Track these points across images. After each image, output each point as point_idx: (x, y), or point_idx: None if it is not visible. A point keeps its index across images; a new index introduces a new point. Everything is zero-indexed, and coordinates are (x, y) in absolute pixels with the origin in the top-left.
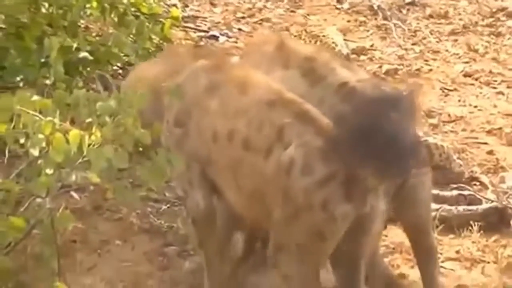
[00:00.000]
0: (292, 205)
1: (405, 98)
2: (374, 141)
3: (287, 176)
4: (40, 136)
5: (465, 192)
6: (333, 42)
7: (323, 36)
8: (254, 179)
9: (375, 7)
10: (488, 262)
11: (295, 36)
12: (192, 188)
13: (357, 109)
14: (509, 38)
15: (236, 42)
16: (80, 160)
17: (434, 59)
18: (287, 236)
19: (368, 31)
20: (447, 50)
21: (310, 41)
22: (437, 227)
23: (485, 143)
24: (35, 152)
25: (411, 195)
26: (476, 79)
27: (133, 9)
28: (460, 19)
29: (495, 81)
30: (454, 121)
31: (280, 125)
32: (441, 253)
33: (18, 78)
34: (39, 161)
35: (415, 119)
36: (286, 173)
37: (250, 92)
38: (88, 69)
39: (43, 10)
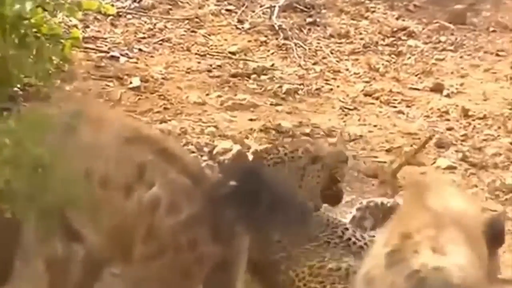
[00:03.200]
0: (158, 243)
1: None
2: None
3: (152, 215)
4: None
5: None
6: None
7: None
8: (115, 219)
9: (276, 27)
10: None
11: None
12: (49, 233)
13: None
14: (409, 58)
15: (136, 62)
16: None
17: (335, 79)
18: (148, 274)
19: (269, 50)
20: (347, 70)
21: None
22: None
23: (385, 162)
24: None
25: None
26: (376, 98)
27: (33, 29)
28: (361, 39)
29: (395, 100)
30: (354, 140)
31: (140, 162)
32: None
33: None
34: None
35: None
36: (151, 212)
37: (105, 130)
38: None
39: None
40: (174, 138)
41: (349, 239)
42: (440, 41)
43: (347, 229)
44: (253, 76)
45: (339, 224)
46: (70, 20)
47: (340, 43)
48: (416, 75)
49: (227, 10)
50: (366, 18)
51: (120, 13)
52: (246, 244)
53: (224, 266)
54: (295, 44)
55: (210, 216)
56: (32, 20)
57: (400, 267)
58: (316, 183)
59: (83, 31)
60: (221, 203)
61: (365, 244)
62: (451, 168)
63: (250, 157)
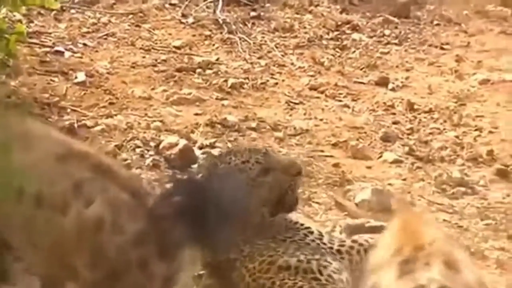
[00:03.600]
0: (108, 265)
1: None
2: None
3: (95, 234)
4: None
5: None
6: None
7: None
8: (52, 238)
9: (220, 21)
10: None
11: (141, 48)
12: None
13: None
14: (354, 51)
15: (81, 57)
16: None
17: (280, 73)
18: None
19: (213, 45)
20: (292, 64)
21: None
22: None
23: (331, 156)
24: None
25: None
26: (322, 92)
27: None
28: (305, 33)
29: (341, 94)
30: (299, 134)
31: (76, 180)
32: None
33: None
34: None
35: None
36: (94, 232)
37: (35, 147)
38: None
39: None
40: (120, 133)
41: (313, 240)
42: (384, 35)
43: (311, 232)
44: (198, 70)
45: (302, 228)
46: (14, 15)
47: (285, 37)
48: (361, 69)
49: (171, 4)
50: (310, 12)
51: (64, 8)
52: (190, 257)
53: (170, 282)
54: (240, 38)
55: (156, 233)
56: None
57: (409, 278)
58: (268, 193)
59: (27, 26)
60: (166, 219)
61: (334, 245)
62: (397, 162)
63: (197, 152)
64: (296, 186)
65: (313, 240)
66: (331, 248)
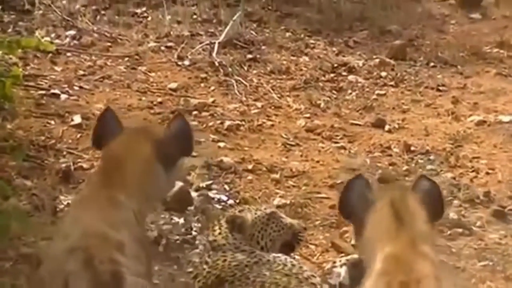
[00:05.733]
0: None
1: None
2: None
3: None
4: None
5: None
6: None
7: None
8: None
9: (216, 64)
10: None
11: (137, 91)
12: None
13: None
14: (350, 93)
15: (77, 100)
16: None
17: (276, 115)
18: None
19: (209, 87)
20: (289, 106)
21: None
22: None
23: (328, 198)
24: None
25: None
26: (318, 134)
27: None
28: (302, 75)
29: (337, 135)
30: (296, 176)
31: (66, 274)
32: None
33: None
34: None
35: None
36: None
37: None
38: None
39: None
40: None
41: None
42: (380, 77)
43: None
44: (194, 112)
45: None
46: (10, 58)
47: (281, 79)
48: (357, 111)
49: (166, 47)
50: (306, 54)
51: (60, 51)
52: None
53: None
54: (236, 81)
55: None
56: None
57: None
58: None
59: (23, 69)
60: None
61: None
62: None
63: (193, 194)
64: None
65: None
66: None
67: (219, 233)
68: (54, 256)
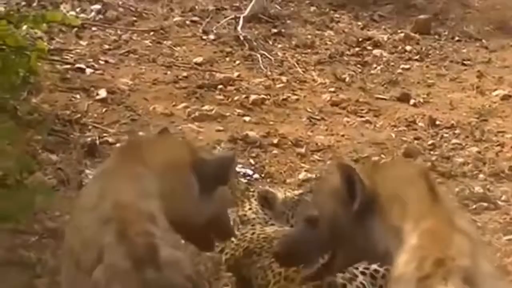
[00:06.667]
0: None
1: None
2: None
3: None
4: None
5: None
6: None
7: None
8: None
9: (241, 38)
10: None
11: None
12: None
13: None
14: (375, 67)
15: (102, 74)
16: None
17: (301, 89)
18: None
19: (234, 61)
20: (313, 80)
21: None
22: None
23: None
24: None
25: None
26: (343, 108)
27: None
28: (327, 49)
29: (362, 110)
30: (321, 150)
31: (101, 245)
32: None
33: None
34: None
35: None
36: None
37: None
38: None
39: None
40: None
41: None
42: (405, 51)
43: None
44: (220, 87)
45: None
46: (36, 32)
47: (306, 53)
48: (382, 85)
49: (192, 21)
50: (331, 28)
51: (85, 25)
52: None
53: None
54: (261, 55)
55: None
56: None
57: None
58: None
59: (48, 43)
60: None
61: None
62: None
63: None
64: None
65: None
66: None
67: (249, 208)
68: (86, 227)
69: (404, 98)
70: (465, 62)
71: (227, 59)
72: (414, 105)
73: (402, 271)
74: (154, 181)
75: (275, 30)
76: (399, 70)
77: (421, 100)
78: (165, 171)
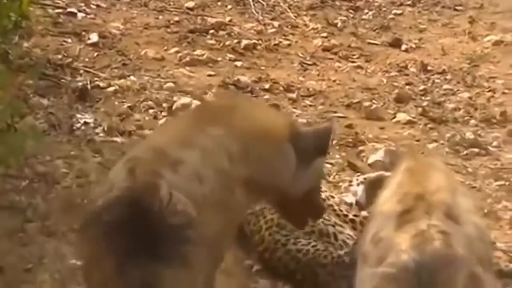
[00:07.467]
0: None
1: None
2: None
3: None
4: None
5: None
6: None
7: None
8: None
9: None
10: None
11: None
12: None
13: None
14: (367, 12)
15: (94, 18)
16: None
17: (293, 34)
18: None
19: (226, 6)
20: (305, 25)
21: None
22: None
23: (344, 117)
24: None
25: None
26: (335, 54)
27: None
28: None
29: (354, 55)
30: (313, 95)
31: None
32: None
33: None
34: None
35: None
36: None
37: None
38: None
39: None
40: (133, 94)
41: (331, 205)
42: None
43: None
44: (211, 31)
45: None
46: None
47: None
48: (374, 30)
49: None
50: None
51: None
52: None
53: None
54: (253, 0)
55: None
56: None
57: (409, 226)
58: None
59: None
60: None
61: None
62: (410, 123)
63: None
64: None
65: (331, 205)
66: (346, 216)
67: None
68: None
69: (395, 44)
70: (457, 7)
71: (219, 3)
72: (406, 50)
73: (384, 206)
74: (232, 144)
75: None
76: (391, 16)
77: (413, 46)
78: (258, 139)
